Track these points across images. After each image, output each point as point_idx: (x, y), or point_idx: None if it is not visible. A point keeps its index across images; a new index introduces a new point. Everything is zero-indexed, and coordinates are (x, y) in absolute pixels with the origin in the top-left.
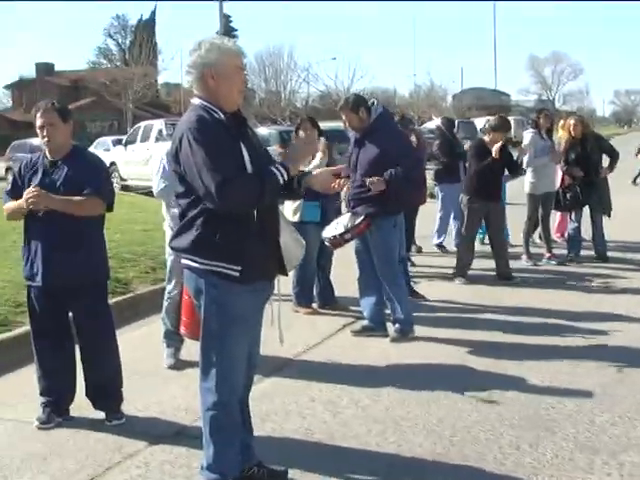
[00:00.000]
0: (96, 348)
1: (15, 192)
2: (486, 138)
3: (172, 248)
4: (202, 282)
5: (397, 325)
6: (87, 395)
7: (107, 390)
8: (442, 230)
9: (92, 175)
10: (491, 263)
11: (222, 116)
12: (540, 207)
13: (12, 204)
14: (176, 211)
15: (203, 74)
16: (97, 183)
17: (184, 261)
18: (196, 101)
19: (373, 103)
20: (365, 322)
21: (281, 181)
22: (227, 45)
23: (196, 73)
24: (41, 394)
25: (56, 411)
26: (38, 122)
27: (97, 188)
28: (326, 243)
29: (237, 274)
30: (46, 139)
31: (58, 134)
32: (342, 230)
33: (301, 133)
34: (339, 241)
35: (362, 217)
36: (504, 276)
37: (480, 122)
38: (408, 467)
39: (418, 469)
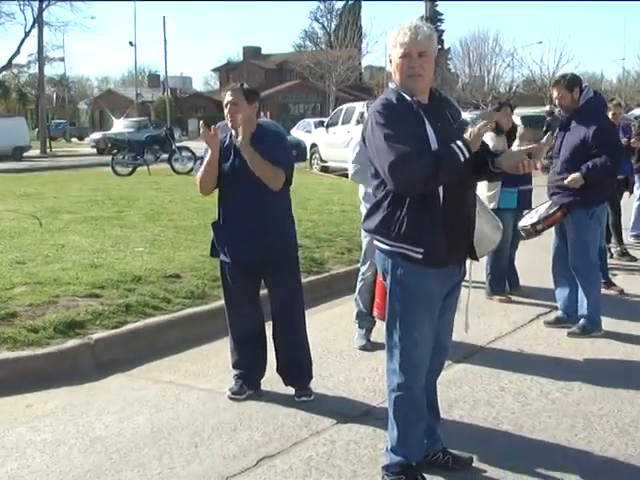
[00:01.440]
0: (288, 324)
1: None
2: None
3: (363, 229)
4: (388, 262)
5: (581, 320)
6: (278, 371)
7: (297, 367)
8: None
9: (275, 150)
10: None
11: (410, 99)
12: None
13: (203, 166)
14: (370, 191)
15: (389, 59)
16: (280, 158)
17: (375, 242)
18: (391, 84)
19: (587, 87)
20: (559, 313)
21: (462, 159)
22: (402, 30)
23: (388, 57)
24: (233, 367)
25: (247, 383)
26: (225, 100)
27: (279, 162)
28: (521, 233)
29: (420, 256)
30: (228, 116)
31: (240, 112)
32: (536, 220)
33: (501, 117)
34: (531, 231)
35: (557, 207)
36: None
37: None
38: (597, 466)
39: (608, 469)
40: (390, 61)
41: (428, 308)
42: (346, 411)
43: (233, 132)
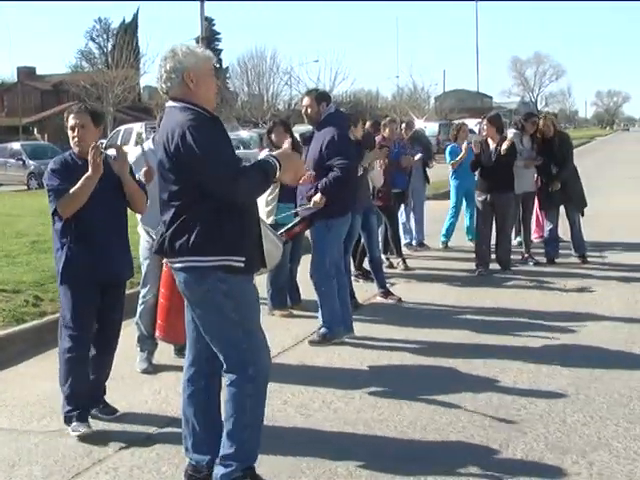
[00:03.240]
0: (111, 347)
1: (70, 183)
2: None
3: (166, 253)
4: (208, 281)
5: (322, 329)
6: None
7: (103, 389)
8: (405, 230)
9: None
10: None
11: (208, 116)
12: (520, 207)
13: (77, 185)
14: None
15: (183, 78)
16: (140, 183)
17: (182, 265)
18: (177, 104)
19: (331, 104)
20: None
21: (277, 173)
22: (200, 50)
23: (177, 77)
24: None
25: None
26: (70, 122)
27: (142, 186)
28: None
29: (242, 265)
30: (76, 139)
31: (88, 136)
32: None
33: (273, 136)
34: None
35: (300, 219)
36: (499, 261)
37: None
38: (379, 469)
39: (388, 471)
40: (192, 80)
41: (257, 309)
42: (129, 437)
43: (76, 153)
